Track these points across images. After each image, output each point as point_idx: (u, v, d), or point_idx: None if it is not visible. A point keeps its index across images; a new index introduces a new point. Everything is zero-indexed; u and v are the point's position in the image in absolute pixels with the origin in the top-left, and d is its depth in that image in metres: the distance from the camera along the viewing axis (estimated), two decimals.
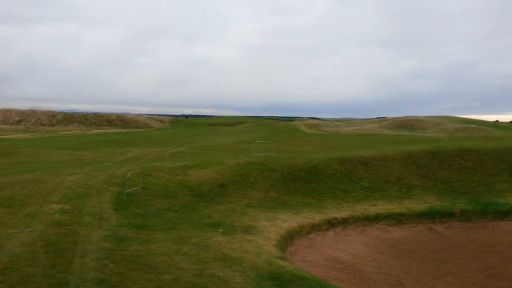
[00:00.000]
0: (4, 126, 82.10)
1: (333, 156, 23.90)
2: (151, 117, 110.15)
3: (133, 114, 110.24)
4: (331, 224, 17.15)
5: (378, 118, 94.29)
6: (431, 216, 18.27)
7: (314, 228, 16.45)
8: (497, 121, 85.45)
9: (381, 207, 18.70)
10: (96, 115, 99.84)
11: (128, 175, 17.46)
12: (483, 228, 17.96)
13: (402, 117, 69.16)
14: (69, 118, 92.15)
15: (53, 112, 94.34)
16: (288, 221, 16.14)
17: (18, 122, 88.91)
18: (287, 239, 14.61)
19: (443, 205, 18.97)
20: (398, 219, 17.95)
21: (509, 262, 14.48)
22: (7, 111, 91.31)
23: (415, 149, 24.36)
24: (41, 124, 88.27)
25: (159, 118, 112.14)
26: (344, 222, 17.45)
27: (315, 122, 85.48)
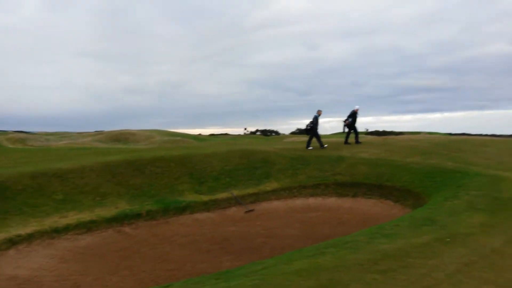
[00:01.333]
0: None
1: (26, 171, 22.34)
2: None
3: None
4: (13, 242, 16.09)
5: (96, 131, 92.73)
6: (121, 219, 19.97)
7: None
8: (200, 134, 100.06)
9: (72, 217, 18.96)
10: None
11: None
12: (165, 223, 21.09)
13: (118, 130, 70.75)
14: None
15: None
16: None
17: None
18: None
19: (132, 208, 21.08)
20: (89, 227, 18.71)
21: (178, 247, 17.59)
22: None
23: (113, 159, 25.88)
24: None
25: None
26: (30, 237, 16.73)
27: (21, 136, 75.36)
